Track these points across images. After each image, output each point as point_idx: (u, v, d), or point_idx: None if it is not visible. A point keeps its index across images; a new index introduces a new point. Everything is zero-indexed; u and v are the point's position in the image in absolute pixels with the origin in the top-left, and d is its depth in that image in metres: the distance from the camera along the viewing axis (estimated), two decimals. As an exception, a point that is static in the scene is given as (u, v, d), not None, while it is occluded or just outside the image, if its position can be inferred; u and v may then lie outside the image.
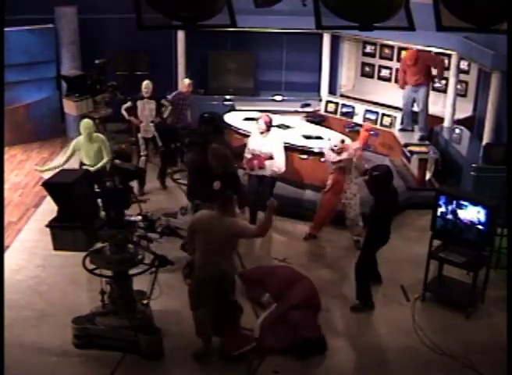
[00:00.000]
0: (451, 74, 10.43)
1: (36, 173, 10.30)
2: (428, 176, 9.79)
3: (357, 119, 11.46)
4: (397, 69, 11.61)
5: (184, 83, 10.60)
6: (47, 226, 5.70)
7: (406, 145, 10.25)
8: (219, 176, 7.37)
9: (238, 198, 7.50)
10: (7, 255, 7.65)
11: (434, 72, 10.53)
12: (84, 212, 5.67)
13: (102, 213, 5.89)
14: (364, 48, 12.47)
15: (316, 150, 9.11)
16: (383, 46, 12.12)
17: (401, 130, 10.93)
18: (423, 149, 9.97)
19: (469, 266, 6.98)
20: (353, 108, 11.66)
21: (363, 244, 7.13)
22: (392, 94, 11.63)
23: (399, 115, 11.04)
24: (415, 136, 10.62)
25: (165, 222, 7.29)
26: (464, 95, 11.06)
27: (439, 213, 6.91)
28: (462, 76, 10.80)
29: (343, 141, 8.24)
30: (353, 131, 10.32)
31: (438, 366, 6.10)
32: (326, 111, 11.97)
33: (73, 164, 8.51)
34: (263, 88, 12.66)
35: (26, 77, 11.47)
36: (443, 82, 11.09)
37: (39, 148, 11.59)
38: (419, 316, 6.83)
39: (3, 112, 9.82)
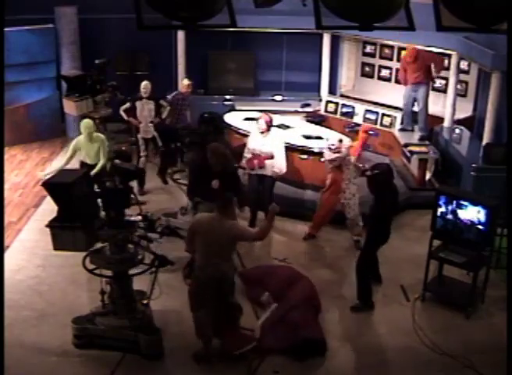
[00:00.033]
0: (451, 74, 10.44)
1: (36, 173, 10.32)
2: (428, 176, 9.80)
3: (357, 119, 11.47)
4: (397, 69, 11.60)
5: (183, 83, 10.60)
6: (47, 226, 5.70)
7: (406, 145, 10.24)
8: (219, 174, 7.37)
9: (238, 197, 7.50)
10: (7, 255, 7.65)
11: (434, 71, 10.53)
12: (84, 212, 5.67)
13: (102, 213, 5.90)
14: (364, 48, 12.47)
15: (316, 150, 9.11)
16: (383, 46, 12.12)
17: (401, 130, 10.93)
18: (423, 149, 9.97)
19: (469, 266, 6.98)
20: (353, 108, 11.67)
21: (363, 243, 7.13)
22: (392, 94, 11.64)
23: (399, 115, 11.04)
24: (415, 136, 10.62)
25: (165, 222, 7.30)
26: (464, 95, 11.06)
27: (439, 213, 6.91)
28: (462, 76, 10.80)
29: (340, 141, 8.26)
30: (353, 131, 10.33)
31: (438, 366, 6.10)
32: (326, 111, 11.98)
33: (74, 164, 8.52)
34: (263, 88, 12.66)
35: (26, 77, 11.46)
36: (443, 82, 11.10)
37: (39, 148, 11.59)
38: (419, 316, 6.83)
39: (3, 112, 9.82)
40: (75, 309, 6.43)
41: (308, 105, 12.14)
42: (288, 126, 10.09)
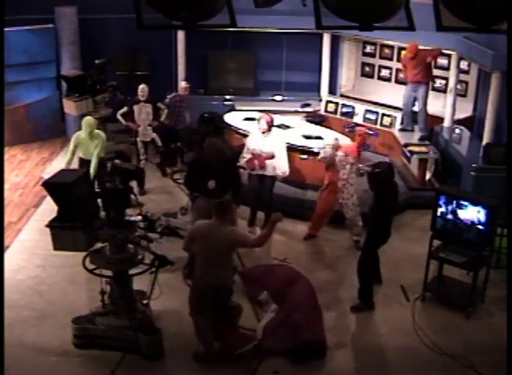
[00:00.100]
0: (451, 74, 10.44)
1: (36, 173, 10.33)
2: (428, 176, 9.80)
3: (357, 119, 11.47)
4: (397, 69, 11.62)
5: (181, 86, 10.59)
6: (47, 226, 5.70)
7: (406, 145, 10.24)
8: (216, 170, 7.28)
9: (235, 193, 7.47)
10: (7, 255, 7.65)
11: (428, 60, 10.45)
12: (84, 212, 5.67)
13: (102, 213, 5.90)
14: (364, 48, 12.47)
15: (316, 150, 9.11)
16: (383, 46, 12.12)
17: (401, 130, 10.92)
18: (423, 149, 9.97)
19: (469, 266, 6.98)
20: (353, 108, 11.67)
21: (364, 243, 7.13)
22: (392, 94, 11.64)
23: (399, 115, 11.04)
24: (415, 136, 10.61)
25: (165, 222, 7.28)
26: (464, 95, 11.06)
27: (439, 213, 6.91)
28: (462, 76, 10.80)
29: (336, 140, 8.27)
30: (353, 131, 10.32)
31: (438, 366, 6.10)
32: (326, 111, 11.98)
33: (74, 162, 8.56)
34: (263, 88, 12.66)
35: (26, 77, 11.46)
36: (443, 82, 11.10)
37: (39, 148, 11.59)
38: (419, 316, 6.83)
39: (3, 112, 9.82)
40: (75, 309, 6.42)
41: (308, 105, 12.14)
42: (288, 126, 10.10)
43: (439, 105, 11.11)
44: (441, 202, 6.88)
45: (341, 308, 6.96)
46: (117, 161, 6.43)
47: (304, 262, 7.90)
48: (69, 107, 9.36)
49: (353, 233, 8.28)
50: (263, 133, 8.32)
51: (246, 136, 9.27)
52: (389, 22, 3.90)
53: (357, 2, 3.74)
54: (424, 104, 10.54)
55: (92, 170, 8.10)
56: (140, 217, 6.05)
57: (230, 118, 10.63)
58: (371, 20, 3.87)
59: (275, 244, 8.29)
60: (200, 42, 11.69)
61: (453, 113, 10.44)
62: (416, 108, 10.72)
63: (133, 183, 7.15)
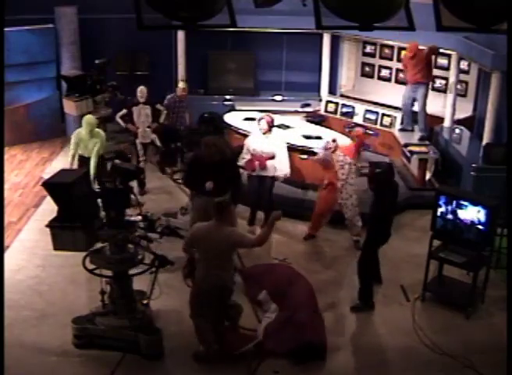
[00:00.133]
0: (451, 74, 10.44)
1: (36, 173, 10.33)
2: (428, 176, 9.80)
3: (357, 119, 11.47)
4: (397, 69, 11.61)
5: (179, 87, 10.58)
6: (47, 226, 5.70)
7: (406, 145, 10.24)
8: (215, 167, 7.26)
9: (234, 192, 7.45)
10: (7, 255, 7.65)
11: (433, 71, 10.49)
12: (84, 212, 5.68)
13: (102, 213, 5.90)
14: (364, 48, 12.47)
15: (316, 150, 9.10)
16: (383, 46, 12.12)
17: (401, 130, 10.92)
18: (423, 149, 9.97)
19: (469, 266, 6.98)
20: (353, 108, 11.67)
21: (363, 243, 7.13)
22: (393, 94, 11.63)
23: (399, 115, 11.04)
24: (415, 136, 10.61)
25: (165, 222, 7.29)
26: (464, 95, 11.06)
27: (439, 213, 6.91)
28: (462, 76, 10.80)
29: (334, 141, 8.28)
30: (352, 131, 10.31)
31: (438, 366, 6.10)
32: (326, 111, 11.98)
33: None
34: (263, 88, 12.66)
35: (26, 77, 11.46)
36: (443, 82, 11.10)
37: (39, 148, 11.59)
38: (419, 316, 6.83)
39: (3, 112, 9.82)
40: (75, 309, 6.42)
41: (308, 105, 12.14)
42: (288, 126, 10.09)
43: (439, 105, 11.11)
44: (441, 202, 6.88)
45: (341, 308, 6.96)
46: (117, 161, 6.44)
47: (303, 262, 7.90)
48: (69, 107, 9.35)
49: (353, 234, 8.28)
50: (264, 133, 8.31)
51: (246, 136, 9.25)
52: (389, 22, 3.91)
53: (357, 2, 3.74)
54: (424, 104, 10.54)
55: (92, 169, 8.11)
56: (140, 217, 6.05)
57: (230, 118, 10.63)
58: (371, 20, 3.87)
59: (275, 244, 8.29)
60: (200, 42, 11.69)
61: (453, 113, 10.44)
62: (415, 109, 10.73)
63: (133, 183, 7.16)
